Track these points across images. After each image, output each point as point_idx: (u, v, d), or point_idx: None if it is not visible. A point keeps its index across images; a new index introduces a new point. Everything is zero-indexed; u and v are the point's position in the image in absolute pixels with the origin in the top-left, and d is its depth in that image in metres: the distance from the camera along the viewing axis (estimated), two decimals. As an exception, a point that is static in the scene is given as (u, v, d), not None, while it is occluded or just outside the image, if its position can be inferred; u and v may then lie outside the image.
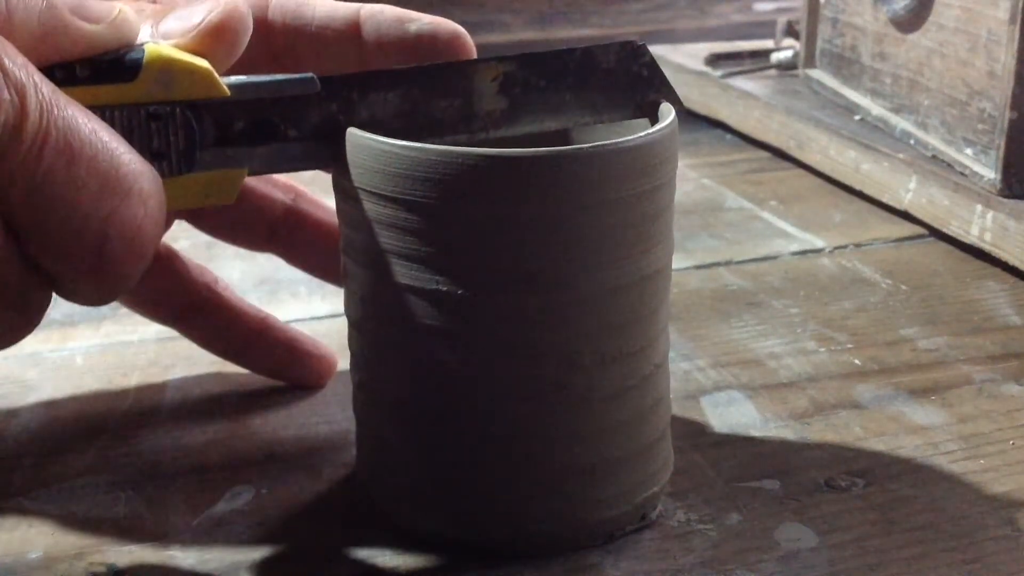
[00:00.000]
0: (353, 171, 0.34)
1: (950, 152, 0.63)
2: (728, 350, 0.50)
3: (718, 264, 0.60)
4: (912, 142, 0.67)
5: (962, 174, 0.62)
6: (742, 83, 0.84)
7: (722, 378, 0.47)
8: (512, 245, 0.32)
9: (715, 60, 0.89)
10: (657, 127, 0.34)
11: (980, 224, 0.59)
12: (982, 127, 0.61)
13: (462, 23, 0.38)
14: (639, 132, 0.34)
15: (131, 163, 0.30)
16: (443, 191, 0.32)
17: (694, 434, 0.43)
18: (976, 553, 0.35)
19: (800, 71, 0.82)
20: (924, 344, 0.50)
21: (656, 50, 0.95)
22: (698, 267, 0.59)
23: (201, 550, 0.36)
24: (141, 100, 0.31)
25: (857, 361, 0.49)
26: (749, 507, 0.38)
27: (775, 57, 0.86)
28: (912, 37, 0.67)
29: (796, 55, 0.83)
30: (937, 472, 0.40)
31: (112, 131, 0.30)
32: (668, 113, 0.35)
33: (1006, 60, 0.58)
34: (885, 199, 0.67)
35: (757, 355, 0.49)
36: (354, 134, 0.34)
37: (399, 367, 0.35)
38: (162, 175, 0.31)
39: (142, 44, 0.32)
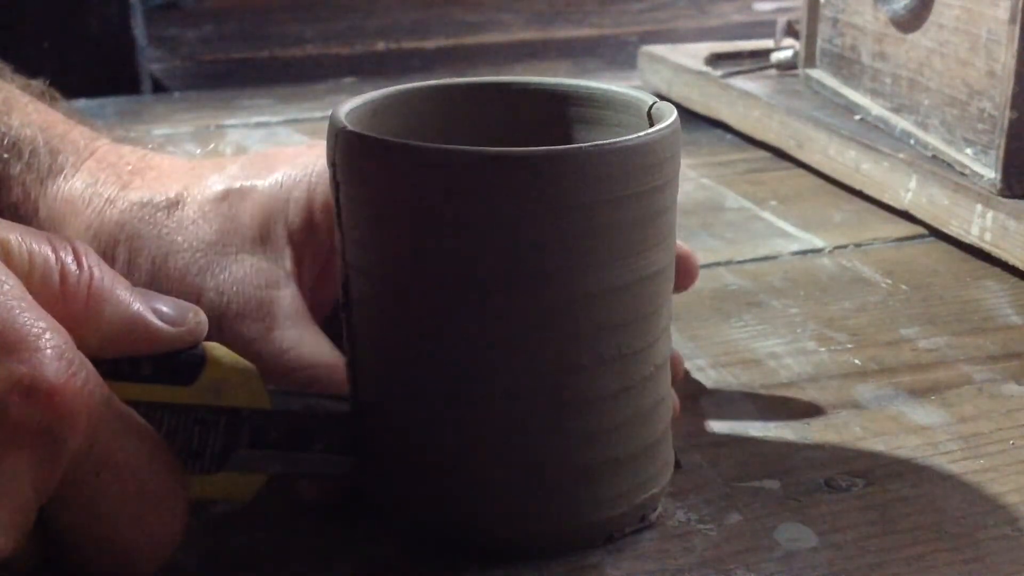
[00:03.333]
0: (352, 171, 0.34)
1: (950, 152, 0.63)
2: (728, 350, 0.50)
3: (718, 264, 0.60)
4: (912, 142, 0.67)
5: (962, 174, 0.62)
6: (742, 83, 0.84)
7: (722, 378, 0.47)
8: (512, 244, 0.32)
9: (715, 60, 0.89)
10: (657, 127, 0.34)
11: (980, 224, 0.59)
12: (982, 127, 0.61)
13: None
14: (639, 132, 0.33)
15: (170, 484, 0.31)
16: (443, 191, 0.32)
17: (694, 434, 0.43)
18: (976, 553, 0.35)
19: (800, 71, 0.82)
20: (924, 344, 0.50)
21: (656, 50, 0.95)
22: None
23: (201, 550, 0.36)
24: (192, 403, 0.32)
25: (857, 361, 0.49)
26: (749, 507, 0.38)
27: (775, 57, 0.86)
28: (912, 37, 0.67)
29: (796, 55, 0.83)
30: (937, 472, 0.40)
31: (162, 447, 0.31)
32: (669, 113, 0.35)
33: (1006, 60, 0.57)
34: (885, 199, 0.67)
35: (757, 355, 0.49)
36: (353, 134, 0.34)
37: (398, 368, 0.35)
38: (191, 472, 0.32)
39: (201, 346, 0.33)
